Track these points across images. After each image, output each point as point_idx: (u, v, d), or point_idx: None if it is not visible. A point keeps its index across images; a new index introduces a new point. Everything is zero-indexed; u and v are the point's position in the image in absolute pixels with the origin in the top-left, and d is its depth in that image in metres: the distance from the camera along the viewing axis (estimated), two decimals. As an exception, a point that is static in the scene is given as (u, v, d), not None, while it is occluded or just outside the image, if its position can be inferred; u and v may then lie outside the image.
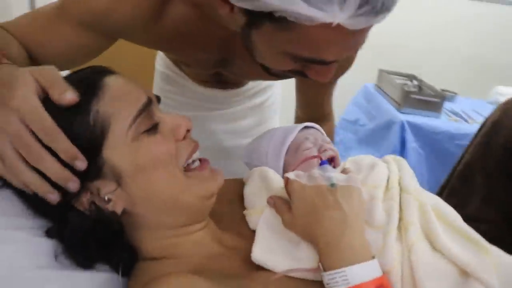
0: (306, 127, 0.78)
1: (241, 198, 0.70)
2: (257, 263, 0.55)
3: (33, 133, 0.47)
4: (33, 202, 0.53)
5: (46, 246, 0.54)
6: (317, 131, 0.78)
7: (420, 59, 2.67)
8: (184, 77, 1.12)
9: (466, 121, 1.99)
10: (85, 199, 0.52)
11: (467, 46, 2.70)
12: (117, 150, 0.52)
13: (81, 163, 0.48)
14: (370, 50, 2.58)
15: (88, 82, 0.53)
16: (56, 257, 0.53)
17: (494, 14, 2.66)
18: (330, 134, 1.08)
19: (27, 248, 0.52)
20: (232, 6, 0.53)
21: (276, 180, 0.66)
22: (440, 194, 0.98)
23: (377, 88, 2.26)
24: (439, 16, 2.63)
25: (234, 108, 1.17)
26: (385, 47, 2.65)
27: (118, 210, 0.53)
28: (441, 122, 1.93)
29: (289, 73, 0.62)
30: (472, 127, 1.86)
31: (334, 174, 0.56)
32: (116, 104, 0.53)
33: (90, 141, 0.50)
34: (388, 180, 0.61)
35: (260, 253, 0.56)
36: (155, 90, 1.20)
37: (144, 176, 0.54)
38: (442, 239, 0.52)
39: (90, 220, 0.52)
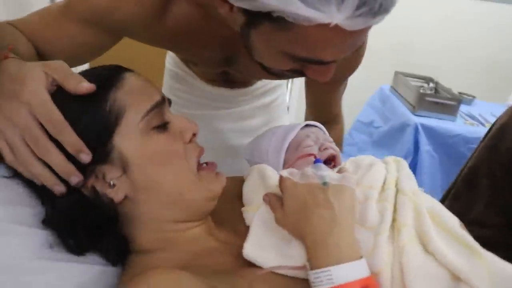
0: (308, 125, 0.77)
1: (240, 195, 0.70)
2: (247, 259, 0.55)
3: (42, 127, 0.49)
4: (40, 191, 0.55)
5: (45, 237, 0.55)
6: (319, 129, 0.78)
7: (439, 62, 2.63)
8: (192, 76, 1.13)
9: (483, 124, 1.95)
10: (89, 182, 0.54)
11: (487, 49, 2.64)
12: (127, 139, 0.54)
13: (86, 156, 0.50)
14: (388, 53, 2.59)
15: (110, 74, 0.58)
16: (50, 245, 0.54)
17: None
18: (339, 136, 1.08)
19: (27, 239, 0.54)
20: (231, 6, 0.53)
21: (274, 178, 0.66)
22: (446, 197, 0.97)
23: (392, 90, 2.24)
24: (461, 19, 2.58)
25: (242, 107, 1.17)
26: (403, 50, 2.63)
27: (120, 197, 0.55)
28: (456, 126, 1.90)
29: (288, 73, 0.62)
30: (488, 131, 1.82)
31: (327, 173, 0.56)
32: (133, 96, 0.56)
33: (103, 126, 0.53)
34: (385, 181, 0.60)
35: (251, 249, 0.56)
36: (165, 88, 1.21)
37: (152, 168, 0.56)
38: (435, 242, 0.51)
39: (79, 205, 0.53)
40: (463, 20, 2.57)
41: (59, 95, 0.52)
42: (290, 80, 2.28)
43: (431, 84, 2.19)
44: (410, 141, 1.86)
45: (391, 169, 0.63)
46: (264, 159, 0.75)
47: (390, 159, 0.68)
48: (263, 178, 0.67)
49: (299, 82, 2.66)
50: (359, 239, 0.53)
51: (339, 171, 0.60)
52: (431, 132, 1.86)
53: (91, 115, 0.53)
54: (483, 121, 1.98)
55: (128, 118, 0.55)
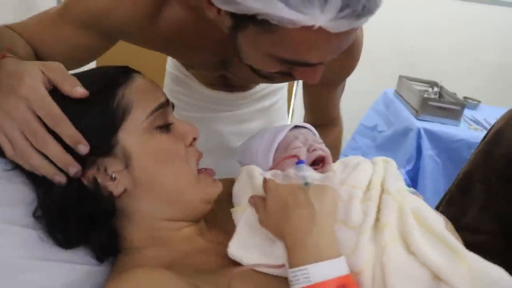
0: (297, 127, 0.78)
1: (231, 196, 0.72)
2: (232, 258, 0.56)
3: (39, 120, 0.51)
4: (39, 182, 0.56)
5: (33, 237, 0.56)
6: (308, 130, 0.78)
7: (445, 66, 2.62)
8: (192, 79, 1.14)
9: (487, 129, 1.93)
10: (90, 173, 0.55)
11: (493, 53, 2.62)
12: (131, 135, 0.57)
13: (84, 147, 0.52)
14: (393, 57, 2.58)
15: (120, 72, 0.62)
16: (40, 238, 0.56)
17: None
18: (338, 138, 1.08)
19: (16, 239, 0.55)
20: (219, 9, 0.53)
21: (261, 179, 0.67)
22: (441, 202, 0.97)
23: (396, 94, 2.23)
24: (467, 23, 2.56)
25: (241, 110, 1.18)
26: (409, 54, 2.62)
27: (119, 190, 0.57)
28: (459, 130, 1.89)
29: (277, 75, 0.62)
30: (492, 136, 1.81)
31: (309, 173, 0.57)
32: (140, 95, 0.59)
33: (110, 120, 0.56)
34: (370, 181, 0.61)
35: (236, 248, 0.57)
36: (165, 91, 1.23)
37: (153, 165, 0.58)
38: (417, 242, 0.51)
39: (76, 194, 0.55)
40: (469, 24, 2.55)
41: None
42: (295, 83, 2.28)
43: (436, 89, 2.18)
44: (413, 146, 1.86)
45: (378, 169, 0.63)
46: (254, 160, 0.76)
47: (379, 159, 0.68)
48: (251, 179, 0.68)
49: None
50: (342, 238, 0.53)
51: (324, 171, 0.61)
52: (434, 137, 1.85)
53: (99, 108, 0.56)
54: (487, 126, 1.97)
55: (134, 115, 0.58)
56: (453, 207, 0.89)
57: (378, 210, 0.56)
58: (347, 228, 0.54)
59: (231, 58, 0.83)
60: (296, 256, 0.49)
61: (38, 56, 0.72)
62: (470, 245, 0.80)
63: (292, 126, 0.77)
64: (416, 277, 0.49)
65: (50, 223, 0.56)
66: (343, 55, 0.78)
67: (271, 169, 0.62)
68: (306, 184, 0.55)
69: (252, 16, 0.48)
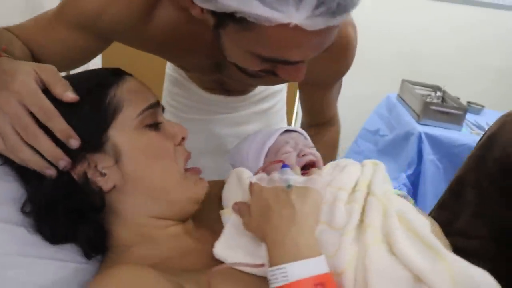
0: (288, 131, 0.78)
1: (221, 198, 0.73)
2: (217, 258, 0.57)
3: (30, 115, 0.52)
4: (30, 175, 0.57)
5: (21, 234, 0.57)
6: (299, 135, 0.78)
7: (449, 70, 2.61)
8: (190, 82, 1.15)
9: (489, 134, 1.92)
10: (81, 168, 0.57)
11: (497, 57, 2.61)
12: (122, 132, 0.59)
13: (75, 142, 0.54)
14: (397, 61, 2.58)
15: (112, 73, 0.64)
16: (27, 230, 0.57)
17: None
18: (335, 138, 1.09)
19: (3, 235, 0.56)
20: (202, 8, 0.54)
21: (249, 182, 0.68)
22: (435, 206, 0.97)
23: (399, 98, 2.23)
24: (471, 27, 2.55)
25: (239, 113, 1.19)
26: (413, 58, 2.62)
27: (109, 186, 0.58)
28: (461, 135, 1.88)
29: (261, 73, 0.62)
30: (494, 141, 1.80)
31: (292, 177, 0.58)
32: (131, 95, 0.62)
33: (101, 117, 0.58)
34: (357, 183, 0.61)
35: (221, 249, 0.58)
36: (165, 93, 1.24)
37: (142, 162, 0.60)
38: (399, 243, 0.51)
39: (66, 187, 0.56)
40: (473, 28, 2.54)
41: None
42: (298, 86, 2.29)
43: (438, 93, 2.18)
44: (414, 150, 1.85)
45: (366, 172, 0.64)
46: (245, 163, 0.76)
47: (369, 162, 0.68)
48: (240, 181, 0.69)
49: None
50: (325, 240, 0.53)
51: (309, 174, 0.61)
52: (435, 142, 1.84)
53: (91, 106, 0.58)
54: (490, 131, 1.96)
55: (125, 113, 0.60)
56: (445, 211, 0.88)
57: (363, 212, 0.56)
58: (331, 229, 0.54)
59: (224, 60, 0.84)
60: (275, 255, 0.50)
61: (34, 57, 0.74)
62: (462, 250, 0.79)
63: (283, 130, 0.77)
64: (398, 279, 0.49)
65: (39, 218, 0.57)
66: (335, 56, 0.80)
67: (257, 173, 0.63)
68: (289, 186, 0.56)
69: (231, 14, 0.48)
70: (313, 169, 0.64)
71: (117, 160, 0.59)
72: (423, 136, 1.83)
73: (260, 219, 0.55)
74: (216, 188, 0.74)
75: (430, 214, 0.94)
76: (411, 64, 2.61)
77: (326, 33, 0.49)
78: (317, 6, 0.43)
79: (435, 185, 1.81)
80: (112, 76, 0.64)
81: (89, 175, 0.57)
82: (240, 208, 0.61)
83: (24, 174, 0.58)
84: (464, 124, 1.96)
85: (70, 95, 0.55)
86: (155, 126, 0.63)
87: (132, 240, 0.61)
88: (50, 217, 0.57)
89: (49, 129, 0.53)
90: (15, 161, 0.54)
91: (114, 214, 0.61)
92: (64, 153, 0.54)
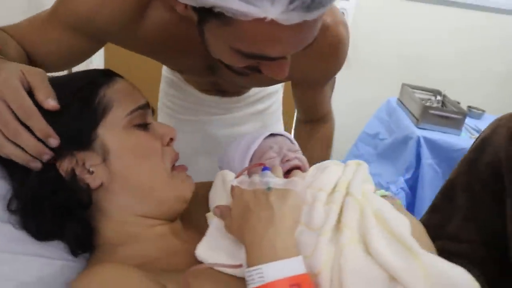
0: (273, 135, 0.78)
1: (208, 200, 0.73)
2: (199, 259, 0.58)
3: (12, 112, 0.53)
4: (16, 168, 0.58)
5: (7, 230, 0.58)
6: (284, 138, 0.78)
7: (450, 74, 2.60)
8: (186, 83, 1.16)
9: (489, 139, 1.91)
10: (68, 165, 0.58)
11: (500, 63, 2.59)
12: (110, 131, 0.60)
13: (54, 141, 0.55)
14: (398, 65, 2.57)
15: (103, 74, 0.66)
16: (12, 225, 0.58)
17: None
18: (329, 135, 1.09)
19: None
20: (186, 4, 0.53)
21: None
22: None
23: (399, 102, 2.23)
24: (472, 32, 2.54)
25: (235, 114, 1.20)
26: (414, 63, 2.61)
27: (96, 183, 0.59)
28: (461, 140, 1.87)
29: (247, 70, 0.61)
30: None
31: (273, 179, 0.58)
32: (121, 96, 0.63)
33: (90, 116, 0.60)
34: (337, 183, 0.61)
35: (203, 250, 0.58)
36: (161, 94, 1.25)
37: (130, 160, 0.61)
38: (374, 243, 0.51)
39: (52, 183, 0.57)
40: (474, 33, 2.53)
41: (51, 83, 0.59)
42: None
43: (438, 97, 2.17)
44: (412, 154, 1.85)
45: (347, 172, 0.64)
46: (232, 167, 0.77)
47: (353, 162, 0.68)
48: (225, 184, 0.69)
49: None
50: (303, 240, 0.54)
51: (290, 176, 0.62)
52: (434, 146, 1.83)
53: (81, 105, 0.59)
54: (489, 135, 1.95)
55: (114, 113, 0.61)
56: (437, 214, 0.88)
57: (341, 212, 0.56)
58: (309, 230, 0.55)
59: (217, 61, 0.84)
60: (252, 256, 0.50)
61: (29, 56, 0.75)
62: (453, 254, 0.79)
63: (268, 134, 0.77)
64: (373, 278, 0.49)
65: (24, 213, 0.58)
66: (326, 55, 0.80)
67: (238, 176, 0.64)
68: (269, 189, 0.56)
69: (210, 9, 0.48)
70: (295, 171, 0.65)
71: (105, 158, 0.60)
72: (422, 140, 1.82)
73: (240, 221, 0.55)
74: (205, 190, 0.75)
75: (422, 218, 0.93)
76: (412, 68, 2.61)
77: (304, 28, 0.48)
78: (291, 1, 0.43)
79: (433, 189, 1.80)
80: (103, 77, 0.65)
81: (77, 172, 0.58)
82: (222, 211, 0.61)
83: (10, 169, 0.59)
84: (463, 128, 1.95)
85: (51, 103, 0.56)
86: (144, 126, 0.64)
87: (118, 239, 0.61)
88: (36, 213, 0.58)
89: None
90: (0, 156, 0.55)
91: (101, 212, 0.62)
92: (49, 148, 0.55)
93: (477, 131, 2.00)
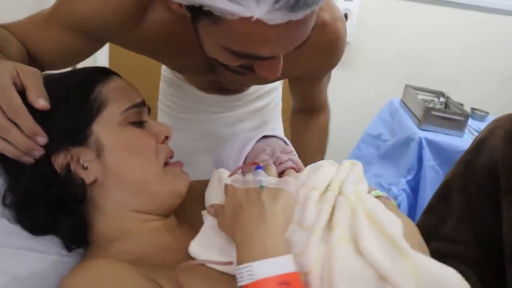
0: (266, 137, 0.78)
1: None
2: (192, 255, 0.58)
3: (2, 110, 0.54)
4: (10, 162, 0.59)
5: (1, 225, 0.58)
6: (278, 140, 0.78)
7: (456, 76, 2.59)
8: (186, 82, 1.17)
9: (492, 141, 1.90)
10: (63, 160, 0.59)
11: (504, 64, 2.58)
12: (105, 127, 0.61)
13: (42, 139, 0.56)
14: (402, 66, 2.55)
15: (100, 71, 0.67)
16: (8, 219, 0.59)
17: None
18: (324, 125, 1.10)
19: None
20: (179, 3, 0.53)
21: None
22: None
23: (401, 103, 2.22)
24: (476, 32, 2.53)
25: (236, 112, 1.20)
26: (418, 63, 2.60)
27: (90, 179, 0.60)
28: (463, 141, 1.86)
29: (242, 69, 0.61)
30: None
31: (265, 178, 0.58)
32: (117, 93, 0.64)
33: (86, 112, 0.61)
34: (330, 183, 0.61)
35: (196, 247, 0.59)
36: (160, 93, 1.26)
37: (124, 156, 0.62)
38: (364, 242, 0.51)
39: (47, 177, 0.58)
40: (478, 33, 2.52)
41: (48, 79, 0.60)
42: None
43: (442, 99, 2.16)
44: (414, 156, 1.84)
45: (341, 172, 0.64)
46: (226, 167, 0.77)
47: (347, 162, 0.69)
48: (220, 182, 0.70)
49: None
50: (295, 239, 0.54)
51: (283, 176, 0.62)
52: (436, 147, 1.82)
53: (77, 101, 0.60)
54: (492, 137, 1.93)
55: (110, 110, 0.62)
56: (433, 215, 0.88)
57: (332, 212, 0.56)
58: (301, 229, 0.55)
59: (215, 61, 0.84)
60: (243, 254, 0.50)
61: (30, 54, 0.75)
62: (448, 255, 0.79)
63: (261, 136, 0.77)
64: (363, 278, 0.49)
65: (19, 207, 0.59)
66: (325, 51, 0.80)
67: (231, 175, 0.64)
68: (261, 187, 0.56)
69: (200, 7, 0.48)
70: (288, 171, 0.65)
71: (99, 154, 0.60)
72: (424, 142, 1.81)
73: (232, 218, 0.56)
74: (202, 188, 0.75)
75: (419, 219, 0.93)
76: (416, 69, 2.60)
77: (293, 28, 0.48)
78: (276, 0, 0.43)
79: (435, 191, 1.79)
80: (100, 74, 0.66)
81: (72, 167, 0.59)
82: (215, 210, 0.61)
83: (5, 164, 0.60)
84: (466, 130, 1.93)
85: (41, 102, 0.56)
86: (139, 124, 0.65)
87: (112, 234, 0.62)
88: (30, 207, 0.59)
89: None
90: None
91: (95, 207, 0.62)
92: (44, 144, 0.56)
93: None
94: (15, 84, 0.55)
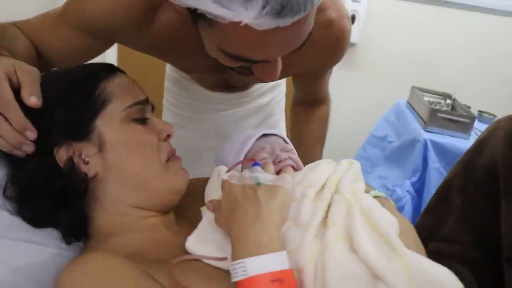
0: (265, 135, 0.78)
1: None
2: (189, 251, 0.59)
3: None
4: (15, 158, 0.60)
5: (2, 217, 0.60)
6: (278, 138, 0.79)
7: (463, 79, 2.56)
8: (191, 82, 1.17)
9: (498, 144, 1.88)
10: (65, 154, 0.60)
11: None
12: (108, 123, 0.62)
13: (31, 134, 0.57)
14: (409, 67, 2.53)
15: (105, 68, 0.68)
16: (9, 212, 0.60)
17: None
18: (326, 116, 1.11)
19: None
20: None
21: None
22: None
23: (408, 105, 2.21)
24: (484, 37, 2.50)
25: (241, 108, 1.21)
26: (425, 66, 2.58)
27: (92, 173, 0.61)
28: (469, 144, 1.83)
29: (245, 71, 0.62)
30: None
31: (262, 175, 0.59)
32: (120, 90, 0.65)
33: (90, 107, 0.62)
34: (326, 181, 0.61)
35: (193, 243, 0.59)
36: (165, 91, 1.27)
37: (125, 152, 0.63)
38: (358, 239, 0.51)
39: (49, 170, 0.59)
40: (485, 36, 2.49)
41: (54, 73, 0.62)
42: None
43: (448, 101, 2.14)
44: (419, 157, 1.83)
45: (338, 171, 0.64)
46: (226, 165, 0.78)
47: (345, 161, 0.69)
48: (219, 179, 0.70)
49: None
50: (290, 236, 0.54)
51: (281, 173, 0.62)
52: (442, 149, 1.81)
53: (81, 96, 0.61)
54: (499, 140, 1.92)
55: (113, 106, 0.63)
56: (432, 216, 0.87)
57: (328, 209, 0.57)
58: (296, 226, 0.55)
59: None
60: (238, 250, 0.51)
61: (38, 51, 0.77)
62: (445, 255, 0.79)
63: (260, 134, 0.78)
64: (356, 275, 0.49)
65: (21, 199, 0.60)
66: (331, 48, 0.81)
67: (228, 171, 0.65)
68: (258, 184, 0.57)
69: (195, 10, 0.48)
70: (286, 168, 0.65)
71: (101, 149, 0.61)
72: (429, 144, 1.80)
73: (229, 214, 0.56)
74: (203, 185, 0.76)
75: (418, 219, 0.93)
76: (423, 71, 2.58)
77: (283, 34, 0.48)
78: (263, 7, 0.43)
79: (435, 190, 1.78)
80: (105, 71, 0.67)
81: (74, 161, 0.60)
82: (214, 205, 0.62)
83: (8, 156, 0.61)
84: (473, 133, 1.92)
85: (32, 100, 0.57)
86: (141, 120, 0.66)
87: (112, 228, 0.63)
88: (32, 199, 0.60)
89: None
90: None
91: (96, 201, 0.63)
92: (47, 139, 0.57)
93: (487, 136, 1.97)
94: (10, 81, 0.56)
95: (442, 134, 1.88)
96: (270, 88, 1.22)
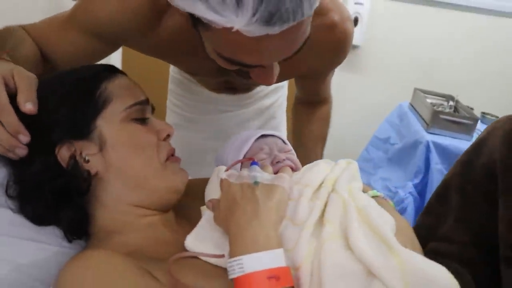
0: (264, 136, 0.79)
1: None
2: (187, 249, 0.59)
3: None
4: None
5: (4, 215, 0.61)
6: (276, 139, 0.79)
7: (467, 80, 2.56)
8: (195, 83, 1.19)
9: (501, 146, 1.88)
10: (67, 152, 0.61)
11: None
12: (108, 123, 0.63)
13: (24, 137, 0.57)
14: (412, 69, 2.53)
15: (106, 69, 0.69)
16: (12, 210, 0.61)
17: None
18: (327, 115, 1.13)
19: None
20: None
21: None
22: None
23: (410, 107, 2.21)
24: (487, 39, 2.50)
25: (244, 110, 1.22)
26: (428, 67, 2.58)
27: (92, 172, 0.62)
28: (471, 145, 1.84)
29: (239, 73, 0.62)
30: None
31: (260, 174, 0.60)
32: (121, 91, 0.66)
33: (91, 107, 0.63)
34: (324, 180, 0.62)
35: (192, 241, 0.60)
36: (169, 93, 1.28)
37: (125, 151, 0.64)
38: (354, 237, 0.52)
39: (52, 169, 0.60)
40: (488, 37, 2.49)
41: (57, 73, 0.64)
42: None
43: (451, 103, 2.14)
44: (422, 159, 1.83)
45: (336, 170, 0.65)
46: (225, 165, 0.79)
47: (343, 161, 0.69)
48: (219, 179, 0.71)
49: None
50: (287, 235, 0.55)
51: (279, 172, 0.63)
52: (444, 151, 1.81)
53: (82, 96, 0.63)
54: (502, 142, 1.91)
55: (114, 106, 0.64)
56: (431, 216, 0.88)
57: (325, 208, 0.57)
58: (293, 225, 0.56)
59: None
60: (235, 247, 0.51)
61: (44, 54, 0.78)
62: (442, 255, 0.79)
63: (259, 135, 0.79)
64: (351, 273, 0.50)
65: (23, 198, 0.61)
66: (334, 50, 0.83)
67: (227, 169, 0.66)
68: (256, 183, 0.57)
69: (192, 14, 0.48)
70: (284, 168, 0.66)
71: (101, 148, 0.62)
72: (431, 145, 1.80)
73: (227, 213, 0.57)
74: (203, 185, 0.77)
75: (417, 219, 0.93)
76: (426, 73, 2.58)
77: (273, 41, 0.48)
78: (253, 14, 0.43)
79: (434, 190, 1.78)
80: (106, 71, 0.68)
81: (77, 158, 0.61)
82: (213, 204, 0.63)
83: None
84: (475, 134, 1.92)
85: (28, 106, 0.58)
86: (141, 120, 0.67)
87: (113, 226, 0.64)
88: (34, 197, 0.61)
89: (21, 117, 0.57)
90: None
91: (97, 200, 0.64)
92: (51, 137, 0.59)
93: (490, 137, 1.96)
94: (7, 85, 0.57)
95: (445, 135, 1.88)
96: (272, 90, 1.23)
